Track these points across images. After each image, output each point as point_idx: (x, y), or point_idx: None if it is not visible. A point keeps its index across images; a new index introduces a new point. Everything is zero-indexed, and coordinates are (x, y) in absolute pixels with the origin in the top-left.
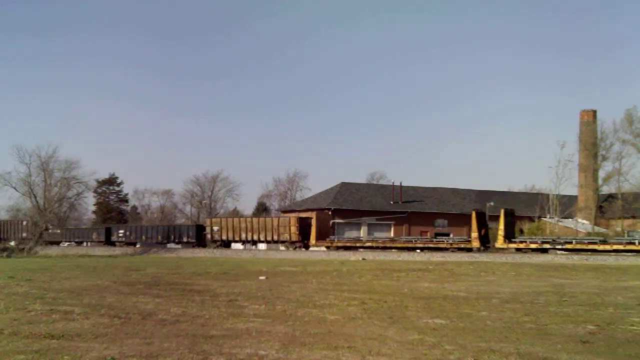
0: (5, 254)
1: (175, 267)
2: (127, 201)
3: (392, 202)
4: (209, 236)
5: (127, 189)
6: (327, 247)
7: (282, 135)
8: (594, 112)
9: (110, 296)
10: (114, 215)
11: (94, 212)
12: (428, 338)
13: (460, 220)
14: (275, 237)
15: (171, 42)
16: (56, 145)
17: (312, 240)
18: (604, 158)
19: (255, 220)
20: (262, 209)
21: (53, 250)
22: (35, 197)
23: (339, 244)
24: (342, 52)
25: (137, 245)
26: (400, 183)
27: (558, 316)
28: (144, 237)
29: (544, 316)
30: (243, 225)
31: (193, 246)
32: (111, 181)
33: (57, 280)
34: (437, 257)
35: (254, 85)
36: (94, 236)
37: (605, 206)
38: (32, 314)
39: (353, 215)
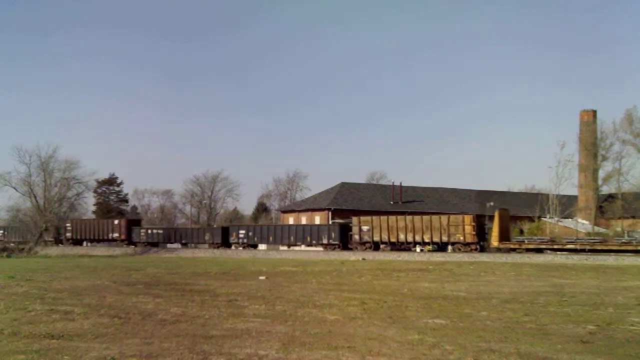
0: (5, 254)
1: (175, 267)
2: (127, 201)
3: (392, 202)
4: (356, 237)
5: (127, 189)
6: (513, 250)
7: (282, 135)
8: (594, 112)
9: (110, 296)
10: (114, 215)
11: (94, 212)
12: (428, 338)
13: None
14: (445, 239)
15: (171, 41)
16: (56, 145)
17: (494, 242)
18: (604, 158)
19: (417, 218)
20: (262, 209)
21: (53, 251)
22: (35, 197)
23: (530, 246)
24: (342, 52)
25: (264, 247)
26: (400, 183)
27: (558, 316)
28: (270, 238)
29: (544, 316)
30: (401, 224)
31: (334, 248)
32: (111, 181)
33: (57, 280)
34: (437, 257)
35: (254, 85)
36: (207, 237)
37: (605, 206)
38: (32, 314)
39: (353, 215)
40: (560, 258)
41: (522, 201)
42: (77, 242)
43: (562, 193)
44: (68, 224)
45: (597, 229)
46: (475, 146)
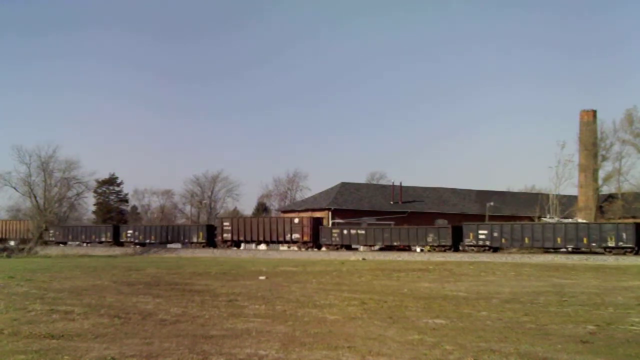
0: (5, 254)
1: (175, 267)
2: (127, 201)
3: (392, 202)
4: None
5: (127, 189)
6: None
7: (282, 135)
8: (594, 112)
9: (110, 296)
10: (114, 215)
11: (93, 212)
12: (428, 338)
13: (460, 220)
14: None
15: (171, 42)
16: (56, 145)
17: None
18: (604, 158)
19: None
20: (262, 209)
21: (53, 250)
22: (35, 197)
23: None
24: (341, 52)
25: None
26: (400, 183)
27: (558, 316)
28: (526, 240)
29: (544, 316)
30: None
31: (625, 252)
32: (111, 181)
33: (57, 280)
34: (437, 257)
35: (253, 85)
36: (430, 239)
37: (605, 206)
38: (32, 314)
39: (353, 216)
40: (560, 258)
41: (522, 201)
42: (236, 244)
43: (562, 193)
44: (226, 223)
45: None
46: (475, 146)
